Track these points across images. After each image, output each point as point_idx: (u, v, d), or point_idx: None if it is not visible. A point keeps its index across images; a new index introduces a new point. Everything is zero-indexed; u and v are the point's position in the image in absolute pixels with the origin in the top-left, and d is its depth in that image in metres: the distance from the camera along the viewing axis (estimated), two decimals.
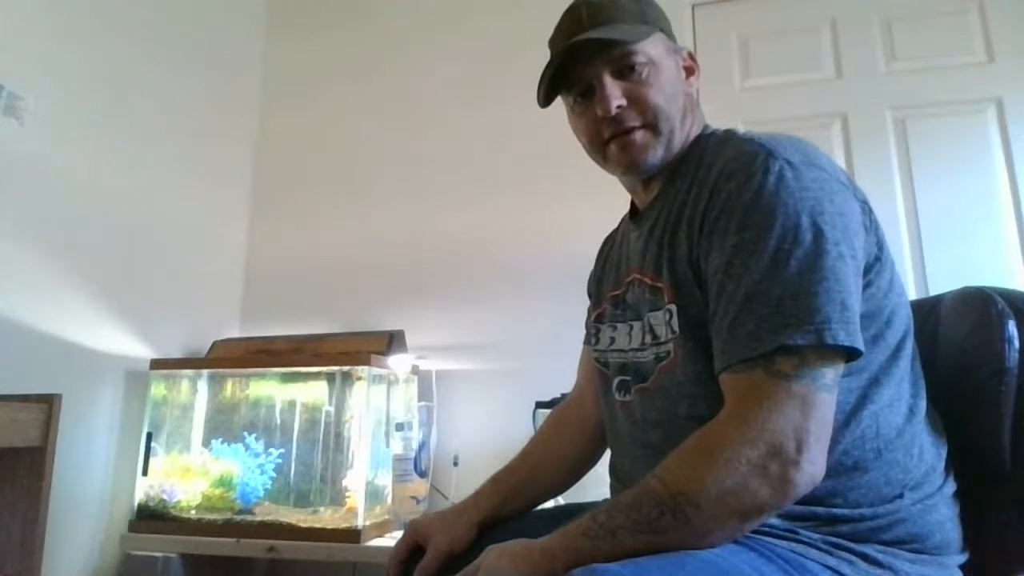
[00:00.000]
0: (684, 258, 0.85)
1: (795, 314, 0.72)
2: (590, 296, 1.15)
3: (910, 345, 0.85)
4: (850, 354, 0.74)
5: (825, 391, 0.72)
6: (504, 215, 2.23)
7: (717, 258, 0.79)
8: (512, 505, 1.04)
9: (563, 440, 1.12)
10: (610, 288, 1.03)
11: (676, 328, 0.85)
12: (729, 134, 0.93)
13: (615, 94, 0.90)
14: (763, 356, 0.72)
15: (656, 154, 0.92)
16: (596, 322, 1.06)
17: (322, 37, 2.58)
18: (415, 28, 2.48)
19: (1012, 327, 0.87)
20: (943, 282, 1.58)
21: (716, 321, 0.78)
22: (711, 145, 0.91)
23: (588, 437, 1.11)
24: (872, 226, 0.84)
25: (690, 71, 0.98)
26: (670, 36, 0.97)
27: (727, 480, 0.70)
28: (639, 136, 0.91)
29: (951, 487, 0.84)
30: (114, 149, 1.91)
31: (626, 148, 0.92)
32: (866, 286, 0.80)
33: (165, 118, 2.10)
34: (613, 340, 1.00)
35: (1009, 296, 0.90)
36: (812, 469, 0.70)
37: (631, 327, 0.95)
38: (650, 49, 0.91)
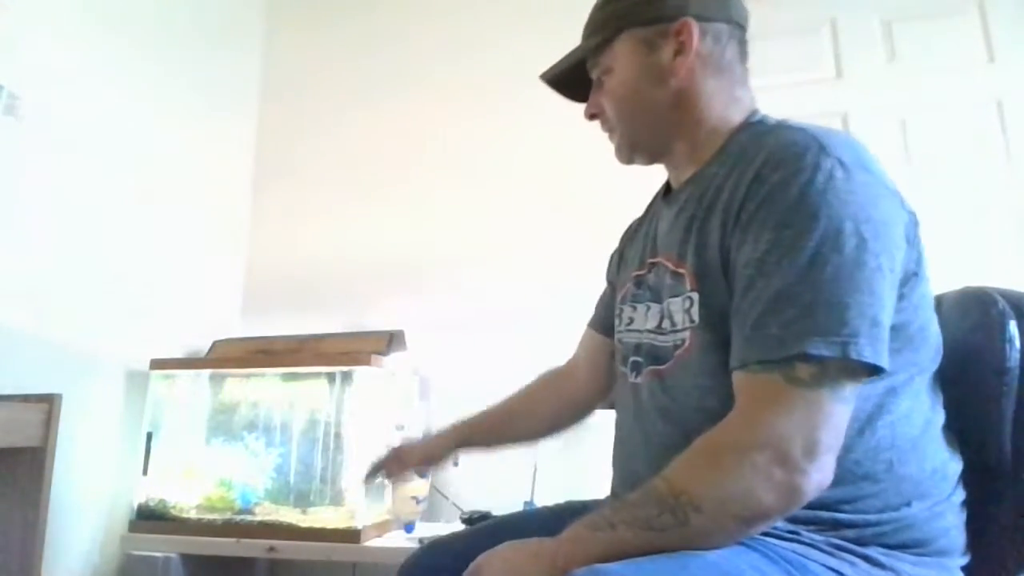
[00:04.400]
0: (715, 245, 0.82)
1: (823, 323, 0.70)
2: (609, 272, 1.17)
3: (934, 360, 0.84)
4: (872, 370, 0.71)
5: (841, 403, 0.70)
6: (505, 215, 2.23)
7: (750, 251, 0.76)
8: (484, 437, 1.24)
9: (542, 401, 1.24)
10: (634, 268, 1.02)
11: (695, 317, 0.83)
12: (781, 122, 0.88)
13: (589, 103, 1.00)
14: (783, 360, 0.70)
15: (623, 155, 0.99)
16: (620, 303, 1.04)
17: (322, 36, 2.58)
18: (416, 28, 2.48)
19: (1013, 327, 0.87)
20: (943, 282, 1.57)
21: (739, 316, 0.76)
22: (759, 133, 0.87)
23: (566, 404, 1.22)
24: (915, 239, 0.81)
25: (681, 49, 0.90)
26: (651, 22, 0.91)
27: (730, 484, 0.69)
28: (611, 139, 1.00)
29: (960, 496, 0.83)
30: (114, 149, 1.91)
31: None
32: (898, 299, 0.76)
33: (164, 118, 2.10)
34: (632, 320, 0.98)
35: (1010, 296, 0.90)
36: (819, 477, 0.69)
37: (648, 308, 0.94)
38: (607, 56, 0.95)
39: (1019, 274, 1.90)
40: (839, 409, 0.70)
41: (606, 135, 1.02)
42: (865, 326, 0.70)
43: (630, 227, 1.15)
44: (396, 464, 1.23)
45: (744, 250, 0.77)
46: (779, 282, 0.72)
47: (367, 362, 1.84)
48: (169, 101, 2.12)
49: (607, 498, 0.99)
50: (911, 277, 0.79)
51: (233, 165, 2.45)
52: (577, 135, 2.18)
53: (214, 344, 2.15)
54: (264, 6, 2.64)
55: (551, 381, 1.25)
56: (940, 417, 0.83)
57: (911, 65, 2.13)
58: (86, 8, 1.85)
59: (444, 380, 2.13)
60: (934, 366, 0.83)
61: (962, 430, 0.86)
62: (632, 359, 0.95)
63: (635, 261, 1.02)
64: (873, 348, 0.70)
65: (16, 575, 1.33)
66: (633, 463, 0.93)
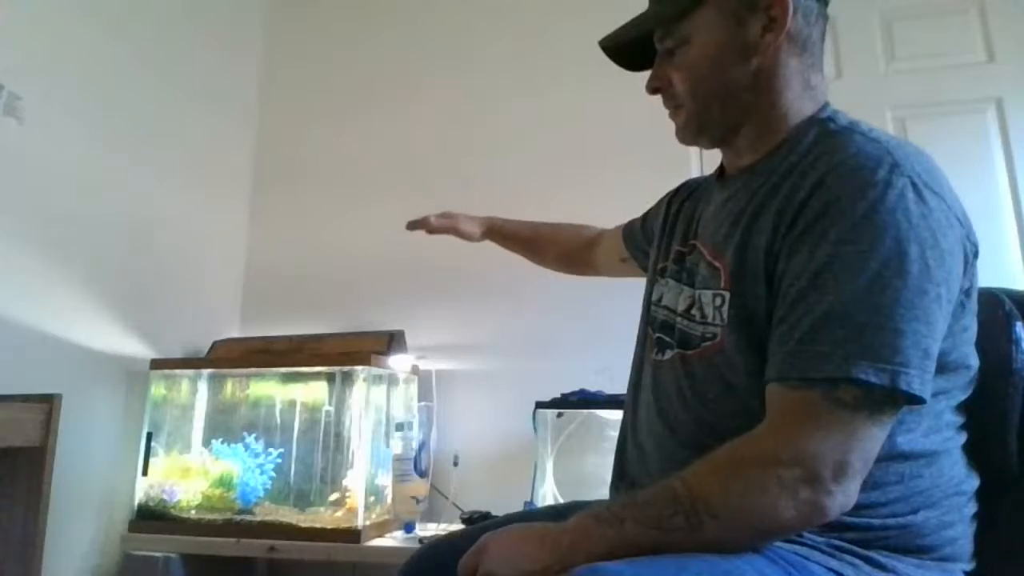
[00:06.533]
0: (760, 247, 0.78)
1: (875, 348, 0.67)
2: (654, 212, 1.16)
3: (964, 389, 0.81)
4: (912, 401, 0.69)
5: (878, 428, 0.69)
6: (504, 215, 2.22)
7: (804, 262, 0.73)
8: (510, 235, 1.44)
9: (566, 241, 1.41)
10: (679, 242, 0.99)
11: (724, 317, 0.81)
12: (853, 126, 0.82)
13: (652, 75, 0.92)
14: (827, 380, 0.68)
15: (689, 135, 0.92)
16: (658, 274, 1.01)
17: (322, 38, 2.57)
18: (415, 29, 2.47)
19: (1019, 328, 0.86)
20: None
21: (784, 328, 0.73)
22: (827, 133, 0.82)
23: (576, 258, 1.40)
24: (970, 273, 0.77)
25: (771, 25, 0.83)
26: None
27: (753, 497, 0.68)
28: (674, 116, 0.93)
29: (972, 509, 0.81)
30: (114, 149, 1.91)
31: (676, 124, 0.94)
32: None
33: (165, 118, 2.10)
34: (663, 297, 0.96)
35: (1016, 297, 0.89)
36: (843, 500, 0.68)
37: (682, 290, 0.92)
38: (687, 26, 0.86)
39: (1019, 274, 1.91)
40: (875, 434, 0.69)
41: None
42: (917, 357, 0.68)
43: (690, 183, 1.10)
44: (443, 219, 1.39)
45: (797, 260, 0.74)
46: (834, 299, 0.69)
47: (367, 362, 1.84)
48: (169, 101, 2.12)
49: (603, 500, 0.98)
50: (958, 307, 0.76)
51: (233, 165, 2.44)
52: (578, 137, 2.19)
53: (214, 344, 2.15)
54: (264, 7, 2.64)
55: (584, 235, 1.39)
56: (962, 437, 0.82)
57: (911, 65, 2.13)
58: (87, 8, 1.85)
59: (444, 380, 2.12)
60: (963, 395, 0.81)
61: (967, 433, 0.85)
62: (658, 336, 0.94)
63: (681, 232, 0.99)
64: (920, 380, 0.68)
65: (16, 575, 1.32)
66: (640, 435, 0.94)
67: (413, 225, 1.41)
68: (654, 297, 0.99)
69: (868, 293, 0.68)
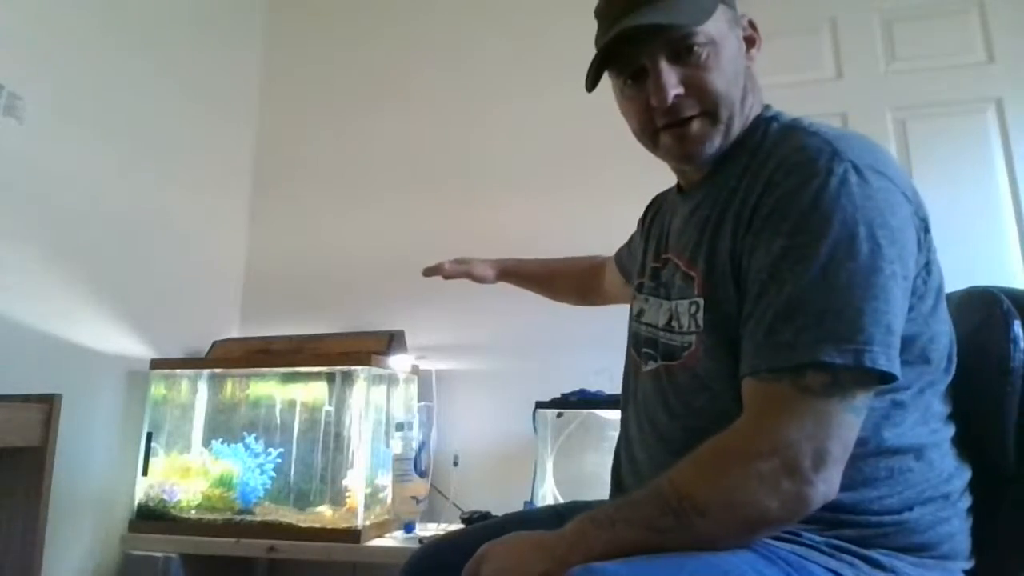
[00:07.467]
0: (726, 250, 0.81)
1: (837, 330, 0.68)
2: (637, 231, 1.18)
3: (947, 372, 0.82)
4: (883, 378, 0.70)
5: (852, 413, 0.69)
6: (504, 215, 2.23)
7: (762, 258, 0.75)
8: (526, 276, 1.45)
9: (579, 275, 1.42)
10: (651, 259, 1.01)
11: (700, 323, 0.82)
12: (794, 123, 0.85)
13: (671, 82, 0.83)
14: (794, 368, 0.69)
15: (713, 144, 0.86)
16: (636, 290, 1.04)
17: (322, 38, 2.58)
18: (415, 29, 2.48)
19: (1018, 327, 0.86)
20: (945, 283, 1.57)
21: (751, 323, 0.75)
22: (772, 132, 0.85)
23: (589, 288, 1.40)
24: (925, 247, 0.78)
25: (751, 42, 0.90)
26: (731, 4, 0.88)
27: (736, 491, 0.69)
28: (696, 126, 0.85)
29: (966, 502, 0.81)
30: (114, 149, 1.91)
31: (682, 139, 0.86)
32: (908, 309, 0.74)
33: (165, 118, 2.10)
34: (643, 312, 0.98)
35: (1015, 296, 0.89)
36: (826, 489, 0.68)
37: (661, 304, 0.94)
38: (712, 27, 0.83)
39: (1019, 274, 1.91)
40: (849, 419, 0.69)
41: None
42: (880, 333, 0.69)
43: (652, 204, 1.13)
44: (456, 264, 1.41)
45: (756, 256, 0.76)
46: (792, 288, 0.71)
47: (367, 362, 1.84)
48: (169, 102, 2.12)
49: (602, 501, 0.99)
50: (921, 285, 0.77)
51: (233, 165, 2.44)
52: (576, 136, 2.19)
53: (214, 344, 2.15)
54: (264, 7, 2.64)
55: (594, 265, 1.40)
56: (950, 429, 0.82)
57: (911, 65, 2.12)
58: (87, 8, 1.85)
59: (444, 380, 2.12)
60: (947, 377, 0.82)
61: (965, 431, 0.85)
62: (644, 350, 0.96)
63: (652, 249, 1.02)
64: (887, 356, 0.69)
65: (16, 575, 1.32)
66: (632, 448, 0.95)
67: (429, 271, 1.42)
68: (634, 312, 1.02)
69: (823, 278, 0.70)
